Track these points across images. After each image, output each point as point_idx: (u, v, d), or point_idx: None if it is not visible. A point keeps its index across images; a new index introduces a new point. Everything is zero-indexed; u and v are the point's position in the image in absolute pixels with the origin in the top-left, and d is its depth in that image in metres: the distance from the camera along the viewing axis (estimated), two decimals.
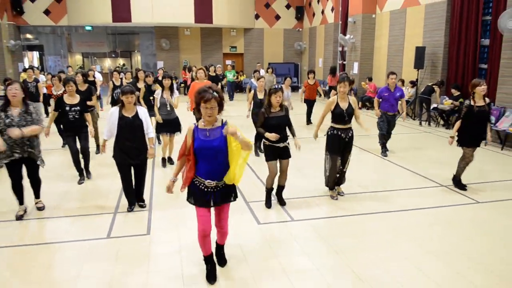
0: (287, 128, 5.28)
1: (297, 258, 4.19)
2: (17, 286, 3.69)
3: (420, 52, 12.23)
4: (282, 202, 5.56)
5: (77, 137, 6.49)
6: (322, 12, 19.96)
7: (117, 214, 5.31)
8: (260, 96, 7.92)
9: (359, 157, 8.06)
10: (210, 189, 3.49)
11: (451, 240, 4.57)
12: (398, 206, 5.58)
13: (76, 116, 6.26)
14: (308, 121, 11.90)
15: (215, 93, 3.34)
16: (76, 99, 6.36)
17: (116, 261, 4.11)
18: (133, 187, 5.42)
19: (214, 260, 3.85)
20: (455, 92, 11.08)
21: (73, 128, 6.37)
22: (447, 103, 11.24)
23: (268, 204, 5.50)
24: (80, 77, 8.05)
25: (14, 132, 4.64)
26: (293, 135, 5.34)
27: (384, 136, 8.38)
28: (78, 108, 6.28)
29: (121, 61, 24.48)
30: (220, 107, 3.42)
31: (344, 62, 17.72)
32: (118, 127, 5.07)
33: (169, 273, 3.88)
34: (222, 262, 3.98)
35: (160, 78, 8.92)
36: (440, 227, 4.92)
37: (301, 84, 22.15)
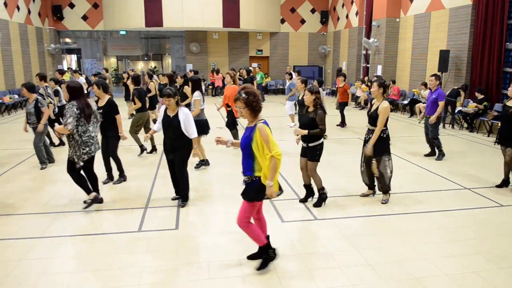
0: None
1: (321, 257, 4.24)
2: (52, 274, 3.91)
3: (444, 56, 12.46)
4: (310, 201, 5.79)
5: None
6: (347, 16, 20.38)
7: (147, 209, 5.56)
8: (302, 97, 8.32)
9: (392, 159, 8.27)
10: (244, 180, 3.82)
11: (473, 242, 4.57)
12: (421, 208, 5.61)
13: (101, 119, 5.97)
14: (342, 123, 12.04)
15: (243, 94, 3.62)
16: (103, 101, 6.27)
17: (146, 253, 4.32)
18: (177, 182, 5.72)
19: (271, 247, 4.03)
20: (479, 96, 11.21)
21: (101, 129, 6.32)
22: (471, 106, 11.36)
23: (301, 199, 5.83)
24: (131, 80, 8.80)
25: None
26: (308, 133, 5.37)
27: (427, 140, 8.43)
28: (101, 110, 6.13)
29: (152, 63, 25.50)
30: (249, 107, 3.62)
31: (368, 65, 18.09)
32: (162, 125, 5.56)
33: (196, 266, 4.04)
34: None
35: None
36: (462, 229, 4.93)
37: (325, 86, 22.65)
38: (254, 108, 3.63)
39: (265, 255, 3.99)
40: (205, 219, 5.27)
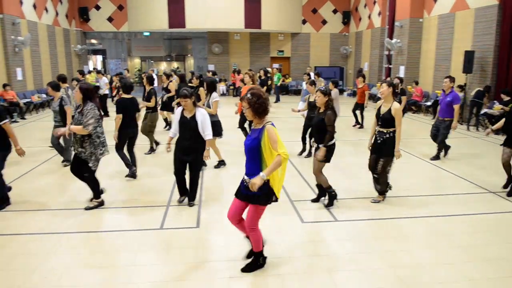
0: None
1: (340, 258, 4.24)
2: (77, 269, 4.05)
3: (469, 56, 12.23)
4: (319, 200, 5.82)
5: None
6: (369, 16, 20.21)
7: (169, 208, 5.67)
8: (312, 98, 8.38)
9: (407, 162, 8.14)
10: (246, 183, 3.74)
11: (496, 247, 4.50)
12: (443, 211, 5.53)
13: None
14: (358, 124, 11.99)
15: (248, 95, 3.61)
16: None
17: (167, 250, 4.42)
18: (185, 183, 5.73)
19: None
20: (505, 97, 10.95)
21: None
22: (497, 108, 11.15)
23: (313, 199, 5.86)
24: (145, 79, 9.02)
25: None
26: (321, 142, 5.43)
27: (434, 139, 8.25)
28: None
29: (175, 64, 25.88)
30: (251, 108, 3.57)
31: (390, 66, 17.90)
32: (178, 125, 5.54)
33: (217, 265, 4.10)
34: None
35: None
36: (486, 234, 4.84)
37: (347, 87, 22.51)
38: (256, 110, 3.59)
39: (256, 260, 4.00)
40: (225, 219, 5.29)
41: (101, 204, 5.67)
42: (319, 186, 5.80)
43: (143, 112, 8.25)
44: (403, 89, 10.09)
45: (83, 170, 5.48)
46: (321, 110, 5.51)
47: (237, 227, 4.05)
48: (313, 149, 6.02)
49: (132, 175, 6.95)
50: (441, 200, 6.04)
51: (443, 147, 8.24)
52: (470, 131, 11.80)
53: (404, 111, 10.17)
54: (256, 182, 3.50)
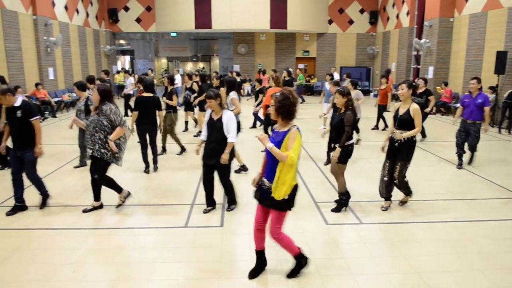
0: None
1: (365, 261, 4.19)
2: (104, 264, 4.18)
3: (501, 57, 11.87)
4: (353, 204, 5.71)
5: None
6: (397, 16, 19.86)
7: (194, 206, 5.75)
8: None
9: (433, 165, 8.03)
10: (264, 186, 3.67)
11: None
12: (471, 216, 5.42)
13: None
14: (376, 127, 11.84)
15: (277, 94, 3.57)
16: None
17: (192, 248, 4.48)
18: (212, 193, 5.54)
19: (265, 257, 3.95)
20: None
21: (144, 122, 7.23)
22: None
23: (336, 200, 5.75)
24: (166, 79, 9.16)
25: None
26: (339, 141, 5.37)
27: (460, 146, 7.84)
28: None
29: (201, 64, 26.14)
30: (278, 109, 3.52)
31: (419, 67, 17.54)
32: (206, 127, 5.43)
33: (239, 264, 4.12)
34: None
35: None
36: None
37: (373, 88, 22.20)
38: (277, 109, 3.53)
39: (299, 265, 3.91)
40: (250, 219, 5.31)
41: (128, 195, 5.70)
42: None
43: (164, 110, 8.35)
44: (429, 90, 9.84)
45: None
46: (342, 111, 5.50)
47: (255, 236, 3.91)
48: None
49: (145, 171, 7.35)
50: (468, 205, 5.89)
51: (474, 151, 7.93)
52: (501, 134, 11.45)
53: (431, 112, 9.93)
54: (263, 138, 3.52)
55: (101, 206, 5.66)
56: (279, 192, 3.54)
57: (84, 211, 5.53)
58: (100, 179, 5.49)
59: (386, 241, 4.68)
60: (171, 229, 5.04)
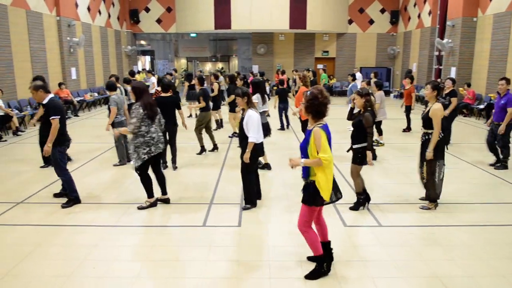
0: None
1: (384, 264, 4.13)
2: (124, 261, 4.23)
3: None
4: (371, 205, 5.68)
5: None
6: (419, 16, 19.55)
7: (212, 206, 5.80)
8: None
9: (456, 167, 7.86)
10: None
11: None
12: (496, 221, 5.29)
13: None
14: (407, 128, 11.57)
15: (307, 92, 3.70)
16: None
17: (210, 247, 4.50)
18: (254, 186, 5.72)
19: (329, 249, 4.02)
20: None
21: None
22: None
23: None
24: (196, 80, 9.23)
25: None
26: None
27: (489, 145, 7.81)
28: None
29: (220, 65, 26.28)
30: (307, 108, 3.65)
31: (441, 67, 17.22)
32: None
33: (257, 264, 4.13)
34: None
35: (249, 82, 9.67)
36: None
37: (394, 88, 21.91)
38: (306, 108, 3.66)
39: (319, 267, 3.91)
40: (267, 219, 5.37)
41: (153, 205, 5.70)
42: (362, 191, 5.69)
43: (186, 110, 8.39)
44: (454, 90, 9.60)
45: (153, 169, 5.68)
46: (361, 112, 5.49)
47: (317, 229, 4.03)
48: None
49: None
50: (491, 208, 5.76)
51: (505, 153, 7.74)
52: None
53: (455, 114, 9.68)
54: (294, 160, 3.72)
55: (153, 205, 5.73)
56: (323, 192, 3.63)
57: (139, 208, 5.65)
58: (139, 175, 5.60)
59: (405, 245, 4.61)
60: (189, 228, 5.07)
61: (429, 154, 5.36)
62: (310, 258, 4.14)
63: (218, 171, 7.60)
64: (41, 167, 7.74)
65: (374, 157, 5.52)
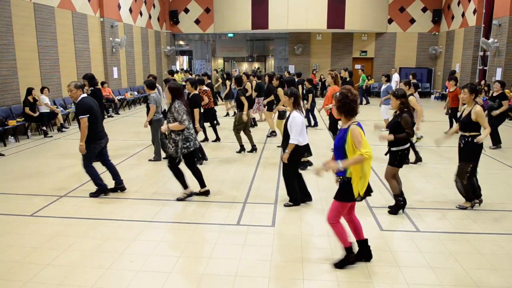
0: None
1: (421, 271, 4.04)
2: (160, 256, 4.32)
3: None
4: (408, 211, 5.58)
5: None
6: (463, 14, 18.83)
7: (246, 205, 5.84)
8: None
9: (500, 173, 7.56)
10: (336, 181, 3.92)
11: None
12: None
13: None
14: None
15: (338, 93, 3.82)
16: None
17: (243, 247, 4.52)
18: (300, 187, 5.81)
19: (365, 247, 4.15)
20: None
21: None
22: None
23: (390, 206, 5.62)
24: (234, 80, 9.36)
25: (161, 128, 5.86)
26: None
27: None
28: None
29: (256, 65, 26.40)
30: (339, 107, 3.75)
31: (485, 68, 16.52)
32: None
33: (291, 265, 4.13)
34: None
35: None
36: None
37: (435, 90, 21.23)
38: (339, 108, 3.77)
39: (346, 256, 4.06)
40: (301, 219, 5.34)
41: (190, 195, 5.95)
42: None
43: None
44: (504, 93, 9.20)
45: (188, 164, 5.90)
46: (397, 113, 5.41)
47: (350, 227, 4.16)
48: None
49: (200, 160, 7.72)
50: None
51: None
52: None
53: (503, 117, 9.29)
54: (330, 165, 3.74)
55: (190, 195, 5.98)
56: (356, 188, 3.75)
57: (178, 199, 5.94)
58: (170, 168, 5.85)
59: (444, 251, 4.45)
60: (224, 226, 5.13)
61: (479, 138, 5.28)
62: (337, 265, 4.13)
63: (253, 169, 7.64)
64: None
65: (407, 161, 5.39)
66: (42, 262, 4.17)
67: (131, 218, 5.35)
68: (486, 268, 4.10)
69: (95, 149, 5.95)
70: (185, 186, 5.95)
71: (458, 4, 19.33)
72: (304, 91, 11.77)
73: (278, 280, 3.87)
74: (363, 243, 4.13)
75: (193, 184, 6.09)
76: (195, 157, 7.18)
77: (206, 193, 6.10)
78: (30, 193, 6.27)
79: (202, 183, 6.07)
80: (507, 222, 5.28)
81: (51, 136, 10.87)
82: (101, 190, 6.09)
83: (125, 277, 3.91)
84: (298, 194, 5.75)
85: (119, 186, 6.26)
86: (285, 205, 5.74)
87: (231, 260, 4.24)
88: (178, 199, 5.92)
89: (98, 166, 6.18)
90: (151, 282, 3.82)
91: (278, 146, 9.15)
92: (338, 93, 3.80)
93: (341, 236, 4.00)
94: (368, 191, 3.95)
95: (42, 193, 6.22)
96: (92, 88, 8.14)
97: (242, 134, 8.78)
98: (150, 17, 20.32)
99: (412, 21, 21.58)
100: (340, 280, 3.87)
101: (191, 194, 5.99)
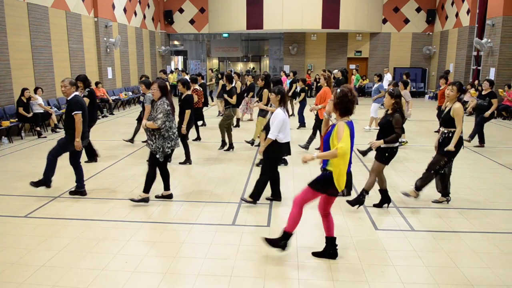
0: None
1: (416, 270, 4.05)
2: (156, 257, 4.33)
3: None
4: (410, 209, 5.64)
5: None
6: (456, 15, 18.95)
7: (241, 204, 5.82)
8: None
9: (492, 172, 7.62)
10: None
11: None
12: None
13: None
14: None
15: (338, 89, 3.88)
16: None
17: (238, 247, 4.53)
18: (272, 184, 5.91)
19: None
20: None
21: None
22: None
23: (375, 204, 5.70)
24: (225, 78, 9.41)
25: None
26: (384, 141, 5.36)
27: None
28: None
29: (251, 65, 26.41)
30: (336, 104, 3.82)
31: (479, 68, 16.63)
32: None
33: (285, 265, 4.15)
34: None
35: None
36: None
37: (429, 89, 21.34)
38: (335, 105, 3.83)
39: (279, 238, 4.18)
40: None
41: (145, 200, 5.73)
42: (382, 191, 5.65)
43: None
44: (493, 91, 9.30)
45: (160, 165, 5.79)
46: (389, 112, 5.49)
47: (323, 222, 4.26)
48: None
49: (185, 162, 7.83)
50: None
51: None
52: None
53: (491, 116, 9.37)
54: (306, 156, 3.89)
55: (146, 201, 5.79)
56: (337, 183, 3.82)
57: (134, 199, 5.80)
58: (149, 168, 5.73)
59: (438, 250, 4.48)
60: (219, 226, 5.12)
61: (451, 147, 5.41)
62: (315, 254, 4.30)
63: (249, 169, 7.65)
64: (85, 161, 7.99)
65: (392, 157, 5.53)
66: (37, 263, 4.14)
67: (126, 219, 5.33)
68: (480, 266, 4.13)
69: (72, 146, 5.92)
70: (148, 190, 5.75)
71: (452, 4, 19.44)
72: (297, 89, 11.87)
73: (273, 280, 3.88)
74: (332, 241, 4.23)
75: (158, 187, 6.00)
76: (169, 158, 7.33)
77: (169, 196, 5.98)
78: (24, 194, 6.23)
79: (167, 186, 5.96)
80: (500, 220, 5.31)
81: (45, 137, 10.81)
82: (43, 182, 5.98)
83: (120, 278, 3.89)
84: (260, 195, 5.76)
85: (80, 190, 6.16)
86: (242, 199, 5.85)
87: (227, 260, 4.24)
88: (132, 200, 5.76)
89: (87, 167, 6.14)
90: (146, 283, 3.81)
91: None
92: (339, 90, 3.83)
93: (292, 220, 4.09)
94: (349, 189, 4.00)
95: (36, 194, 6.18)
96: (88, 89, 8.13)
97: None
98: (144, 17, 20.26)
99: (406, 21, 21.68)
100: (335, 279, 3.87)
101: (147, 200, 5.78)
